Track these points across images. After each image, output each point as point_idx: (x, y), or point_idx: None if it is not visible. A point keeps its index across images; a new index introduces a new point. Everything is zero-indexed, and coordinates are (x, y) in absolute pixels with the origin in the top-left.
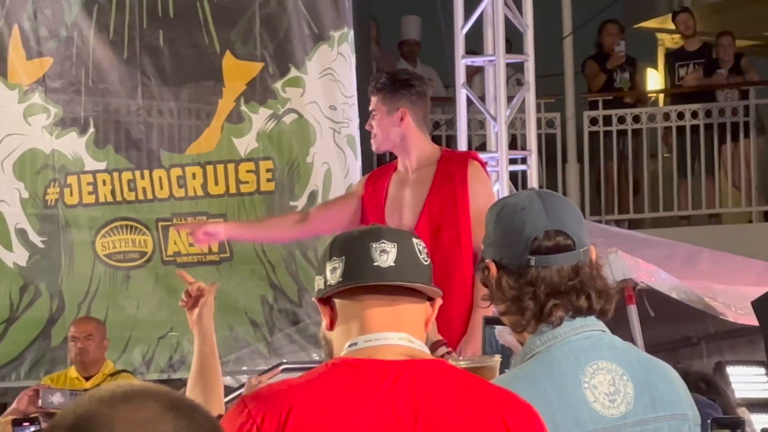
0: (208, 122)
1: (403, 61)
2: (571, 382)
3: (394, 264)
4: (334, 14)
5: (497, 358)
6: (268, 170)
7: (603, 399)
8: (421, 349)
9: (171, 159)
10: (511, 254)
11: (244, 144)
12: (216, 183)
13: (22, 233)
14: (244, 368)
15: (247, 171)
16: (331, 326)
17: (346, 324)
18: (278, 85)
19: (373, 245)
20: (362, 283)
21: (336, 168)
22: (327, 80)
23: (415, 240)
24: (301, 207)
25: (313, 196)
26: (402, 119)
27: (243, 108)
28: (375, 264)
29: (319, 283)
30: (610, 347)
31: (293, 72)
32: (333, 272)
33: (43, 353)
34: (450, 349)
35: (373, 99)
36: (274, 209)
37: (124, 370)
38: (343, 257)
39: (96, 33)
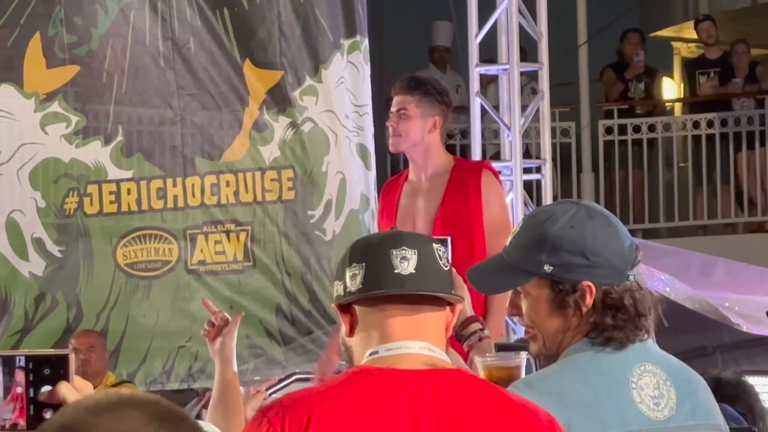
0: (238, 130)
1: (432, 68)
2: (620, 381)
3: (414, 271)
4: (345, 22)
5: (524, 354)
6: (289, 179)
7: (648, 401)
8: (442, 358)
9: (207, 166)
10: (614, 274)
11: (268, 152)
12: (246, 191)
13: (38, 243)
14: (257, 378)
15: (271, 179)
16: (351, 333)
17: (366, 332)
18: (296, 93)
19: (394, 252)
20: (383, 291)
21: (350, 177)
22: (339, 89)
23: (435, 245)
24: (318, 216)
25: (328, 205)
26: (434, 126)
27: (266, 116)
28: (395, 271)
29: (338, 288)
30: (654, 351)
31: (308, 80)
32: (353, 279)
33: None
34: (483, 326)
35: (406, 98)
36: (294, 218)
37: (126, 381)
38: (363, 264)
39: (133, 40)
